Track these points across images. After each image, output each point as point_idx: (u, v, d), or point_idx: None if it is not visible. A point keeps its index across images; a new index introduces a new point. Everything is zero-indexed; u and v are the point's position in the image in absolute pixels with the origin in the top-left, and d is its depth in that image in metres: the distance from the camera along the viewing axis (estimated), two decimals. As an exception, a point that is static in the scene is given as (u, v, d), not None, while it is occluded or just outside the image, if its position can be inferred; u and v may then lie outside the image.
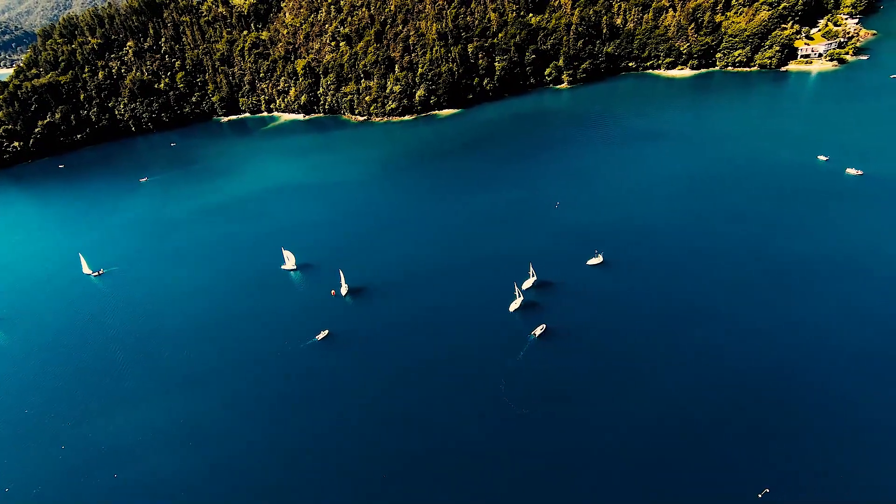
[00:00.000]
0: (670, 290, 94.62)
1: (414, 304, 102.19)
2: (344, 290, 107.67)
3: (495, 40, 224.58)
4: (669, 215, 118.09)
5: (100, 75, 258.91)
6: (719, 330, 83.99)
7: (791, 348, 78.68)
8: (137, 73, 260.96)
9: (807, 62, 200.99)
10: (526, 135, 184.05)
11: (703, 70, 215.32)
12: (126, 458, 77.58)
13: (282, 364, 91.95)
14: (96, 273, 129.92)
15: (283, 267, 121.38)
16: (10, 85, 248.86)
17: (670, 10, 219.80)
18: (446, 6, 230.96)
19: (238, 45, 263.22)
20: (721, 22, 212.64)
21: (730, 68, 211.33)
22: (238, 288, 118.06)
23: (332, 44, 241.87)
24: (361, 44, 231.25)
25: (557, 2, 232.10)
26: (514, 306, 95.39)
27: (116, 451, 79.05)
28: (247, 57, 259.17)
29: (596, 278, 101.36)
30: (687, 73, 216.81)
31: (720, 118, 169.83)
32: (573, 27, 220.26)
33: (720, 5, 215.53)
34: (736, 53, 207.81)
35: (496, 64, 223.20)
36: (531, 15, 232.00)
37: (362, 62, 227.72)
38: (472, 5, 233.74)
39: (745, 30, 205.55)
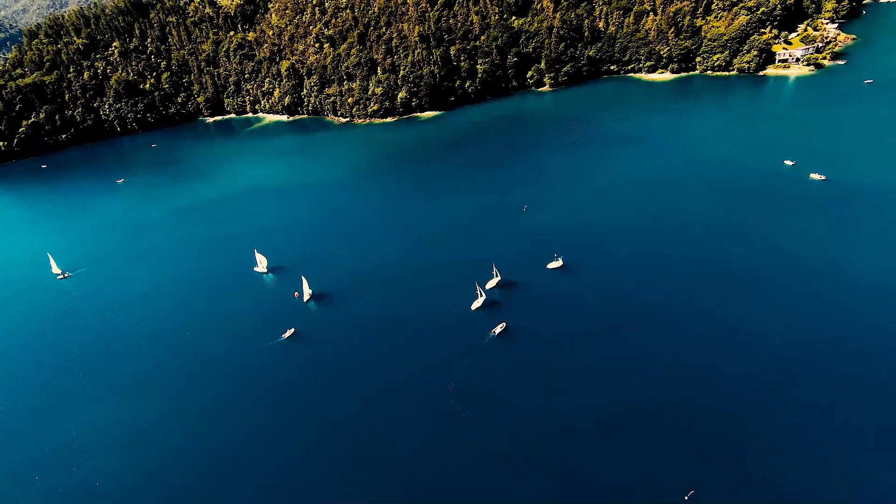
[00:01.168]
0: (621, 295, 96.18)
1: (380, 303, 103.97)
2: (307, 295, 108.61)
3: (478, 43, 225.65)
4: (630, 220, 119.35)
5: (85, 75, 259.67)
6: (659, 335, 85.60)
7: (724, 354, 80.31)
8: (123, 74, 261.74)
9: (784, 67, 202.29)
10: (504, 138, 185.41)
11: (683, 74, 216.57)
12: (67, 460, 78.51)
13: (245, 362, 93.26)
14: (63, 275, 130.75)
15: (255, 269, 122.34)
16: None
17: (651, 14, 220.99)
18: (429, 9, 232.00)
19: (224, 46, 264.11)
20: (701, 26, 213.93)
21: (709, 72, 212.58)
22: (209, 289, 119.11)
23: (316, 45, 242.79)
24: (345, 45, 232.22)
25: (540, 5, 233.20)
26: (475, 305, 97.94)
27: (60, 452, 79.97)
28: (232, 58, 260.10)
29: (555, 281, 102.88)
30: (667, 76, 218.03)
31: (694, 123, 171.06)
32: (555, 30, 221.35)
33: (700, 9, 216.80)
34: (715, 57, 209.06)
35: (478, 66, 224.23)
36: (514, 18, 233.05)
37: (345, 64, 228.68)
38: (455, 8, 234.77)
39: (724, 34, 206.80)
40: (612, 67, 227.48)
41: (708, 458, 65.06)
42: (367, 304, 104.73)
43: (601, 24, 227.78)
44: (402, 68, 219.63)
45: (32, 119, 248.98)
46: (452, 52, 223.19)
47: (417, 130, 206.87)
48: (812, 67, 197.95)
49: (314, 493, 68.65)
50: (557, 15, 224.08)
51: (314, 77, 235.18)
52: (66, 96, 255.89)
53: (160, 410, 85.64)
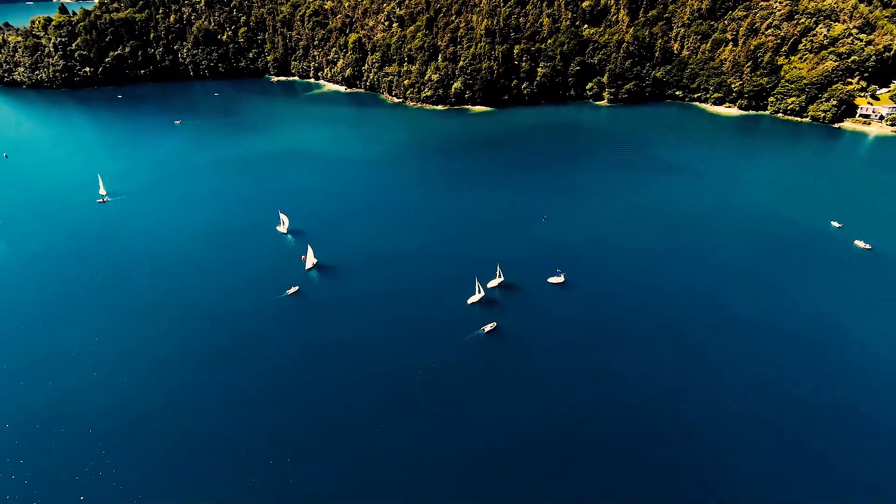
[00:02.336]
0: (613, 321, 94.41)
1: (383, 281, 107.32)
2: (310, 264, 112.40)
3: (543, 45, 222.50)
4: (647, 250, 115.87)
5: (171, 18, 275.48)
6: (638, 365, 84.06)
7: (694, 395, 78.32)
8: (205, 22, 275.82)
9: (864, 122, 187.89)
10: (548, 145, 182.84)
11: (751, 112, 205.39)
12: (51, 369, 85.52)
13: (244, 308, 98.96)
14: (103, 199, 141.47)
15: (277, 228, 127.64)
16: (92, 14, 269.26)
17: (731, 44, 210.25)
18: (501, 4, 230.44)
19: (301, 11, 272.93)
20: (781, 65, 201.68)
21: (780, 115, 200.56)
22: (230, 237, 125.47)
23: (386, 24, 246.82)
24: (412, 28, 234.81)
25: (616, 17, 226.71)
26: (472, 300, 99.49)
27: (52, 359, 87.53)
28: (306, 23, 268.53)
29: (554, 295, 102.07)
30: (734, 111, 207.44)
31: (748, 164, 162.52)
32: (625, 45, 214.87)
33: (785, 47, 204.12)
34: (790, 100, 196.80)
35: (539, 69, 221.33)
36: (586, 26, 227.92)
37: (408, 46, 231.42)
38: (528, 7, 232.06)
39: (805, 78, 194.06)
40: (676, 93, 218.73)
41: (642, 482, 64.67)
42: (371, 278, 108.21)
43: (675, 47, 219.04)
44: (462, 59, 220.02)
45: (118, 52, 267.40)
46: (515, 51, 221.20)
47: (465, 123, 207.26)
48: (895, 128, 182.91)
49: (259, 429, 72.56)
50: (631, 30, 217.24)
51: (377, 54, 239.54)
52: (151, 35, 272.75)
53: (152, 338, 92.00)
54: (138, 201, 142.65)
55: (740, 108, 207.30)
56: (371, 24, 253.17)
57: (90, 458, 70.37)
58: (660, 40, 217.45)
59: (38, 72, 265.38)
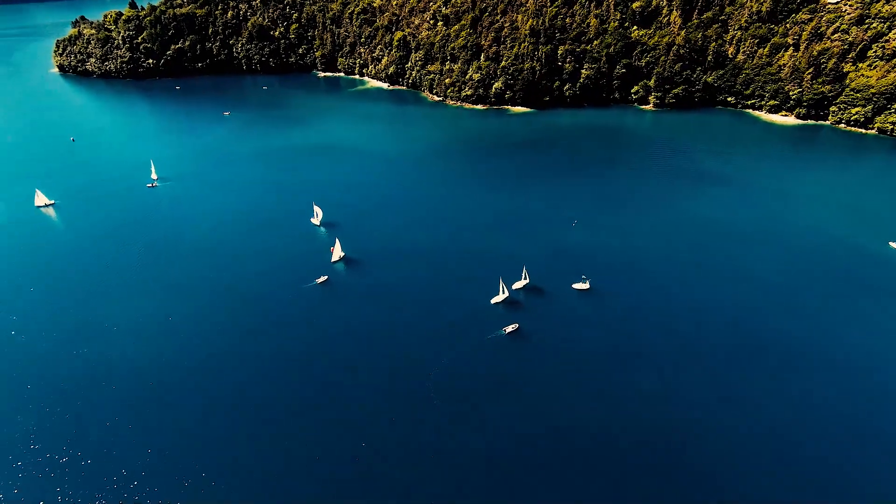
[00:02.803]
0: (634, 335, 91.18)
1: (410, 273, 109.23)
2: (336, 256, 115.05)
3: (588, 47, 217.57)
4: (678, 263, 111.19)
5: (229, 14, 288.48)
6: (657, 383, 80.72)
7: (712, 423, 73.93)
8: (259, 18, 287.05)
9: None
10: (587, 148, 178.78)
11: (809, 121, 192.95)
12: (104, 335, 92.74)
13: (274, 294, 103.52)
14: (153, 184, 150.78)
15: (311, 220, 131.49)
16: (157, 9, 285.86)
17: (791, 49, 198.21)
18: (548, 4, 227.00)
19: (350, 8, 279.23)
20: (847, 72, 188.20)
21: (842, 125, 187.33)
22: (265, 226, 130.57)
23: (431, 22, 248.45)
24: (456, 27, 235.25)
25: (667, 18, 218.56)
26: (495, 300, 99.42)
27: (96, 327, 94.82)
28: (354, 21, 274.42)
29: (578, 301, 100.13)
30: (790, 120, 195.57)
31: (804, 177, 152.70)
32: (675, 48, 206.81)
33: (853, 53, 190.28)
34: (854, 110, 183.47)
35: (583, 71, 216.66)
36: (634, 28, 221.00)
37: (452, 45, 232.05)
38: (575, 7, 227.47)
39: (873, 87, 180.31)
40: (728, 99, 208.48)
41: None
42: (397, 272, 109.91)
43: (730, 51, 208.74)
44: (504, 59, 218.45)
45: (179, 45, 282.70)
46: (559, 52, 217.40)
47: (504, 123, 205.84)
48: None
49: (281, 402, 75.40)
50: (682, 33, 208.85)
51: (420, 52, 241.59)
52: (210, 30, 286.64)
53: (187, 315, 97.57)
54: (184, 187, 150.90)
55: (798, 116, 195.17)
56: (417, 22, 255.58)
57: (127, 413, 76.52)
58: (713, 43, 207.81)
59: (107, 62, 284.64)
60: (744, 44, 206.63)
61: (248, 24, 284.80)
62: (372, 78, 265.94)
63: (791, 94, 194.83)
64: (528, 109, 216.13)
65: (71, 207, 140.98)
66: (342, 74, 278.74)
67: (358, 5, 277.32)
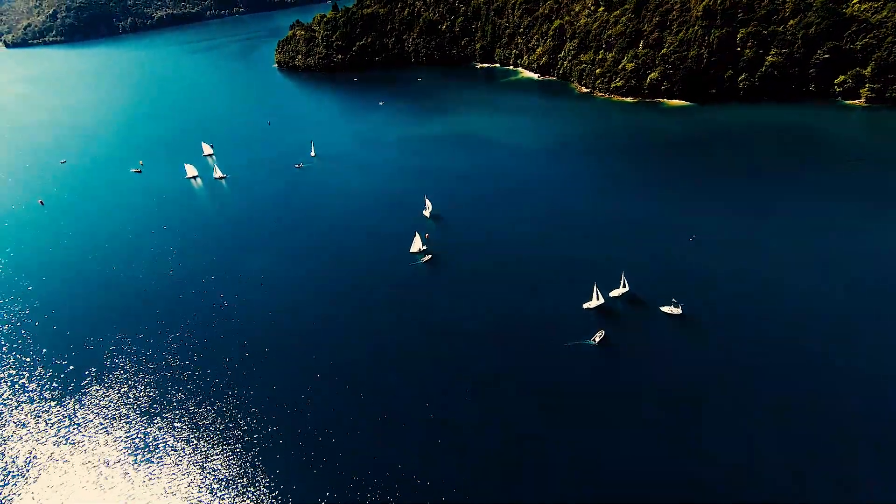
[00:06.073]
0: (725, 379, 75.98)
1: (511, 267, 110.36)
2: (415, 247, 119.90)
3: (780, 28, 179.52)
4: (814, 308, 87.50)
5: (405, 12, 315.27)
6: (737, 455, 65.99)
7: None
8: (430, 13, 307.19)
9: None
10: (760, 153, 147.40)
11: None
12: (245, 283, 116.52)
13: (378, 268, 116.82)
14: (299, 165, 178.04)
15: (423, 211, 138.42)
16: (350, 11, 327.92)
17: None
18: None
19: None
20: None
21: None
22: (383, 209, 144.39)
23: (592, 7, 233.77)
24: (617, 12, 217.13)
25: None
26: (588, 305, 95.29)
27: (239, 276, 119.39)
28: (516, 11, 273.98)
29: (668, 324, 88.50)
30: None
31: None
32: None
33: None
34: None
35: (768, 57, 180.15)
36: (855, 1, 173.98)
37: (609, 32, 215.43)
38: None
39: None
40: None
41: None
42: (496, 265, 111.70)
43: None
44: (666, 45, 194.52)
45: (362, 42, 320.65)
46: (739, 36, 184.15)
47: (654, 118, 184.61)
48: None
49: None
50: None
51: (575, 41, 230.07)
52: (388, 27, 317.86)
53: (302, 277, 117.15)
54: (326, 168, 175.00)
55: None
56: (577, 9, 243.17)
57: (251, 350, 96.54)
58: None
59: (308, 58, 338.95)
60: None
61: (420, 19, 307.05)
62: (525, 68, 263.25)
63: None
64: (686, 103, 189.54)
65: (242, 180, 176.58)
66: (497, 65, 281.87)
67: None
